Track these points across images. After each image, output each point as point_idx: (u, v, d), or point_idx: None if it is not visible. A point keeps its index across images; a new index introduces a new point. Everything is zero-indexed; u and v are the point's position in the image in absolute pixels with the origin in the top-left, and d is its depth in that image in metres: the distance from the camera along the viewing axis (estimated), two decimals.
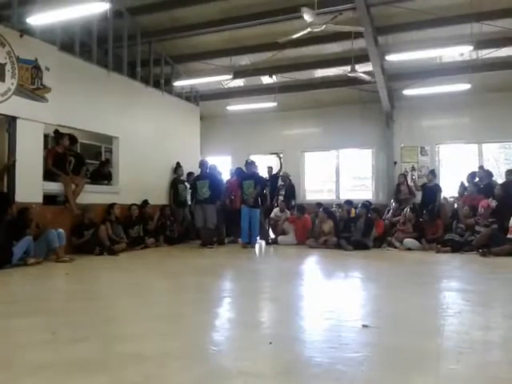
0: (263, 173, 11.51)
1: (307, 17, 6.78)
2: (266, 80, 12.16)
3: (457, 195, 10.20)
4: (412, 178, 11.15)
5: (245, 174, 10.33)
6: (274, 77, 11.83)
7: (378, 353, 2.76)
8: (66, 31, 8.66)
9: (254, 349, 2.83)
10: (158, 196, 10.58)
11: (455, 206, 9.81)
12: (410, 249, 9.00)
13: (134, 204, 9.41)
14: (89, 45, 9.31)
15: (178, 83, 11.30)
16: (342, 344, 2.89)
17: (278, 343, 2.88)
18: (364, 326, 3.26)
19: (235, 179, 10.80)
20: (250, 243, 9.63)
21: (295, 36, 7.68)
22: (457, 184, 10.30)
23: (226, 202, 10.52)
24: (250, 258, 8.39)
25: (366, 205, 10.04)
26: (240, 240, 10.06)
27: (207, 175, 10.00)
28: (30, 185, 7.56)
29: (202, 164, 10.28)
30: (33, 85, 7.68)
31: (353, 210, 10.09)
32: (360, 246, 8.98)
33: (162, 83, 11.31)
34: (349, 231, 9.32)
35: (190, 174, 11.32)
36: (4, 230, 6.41)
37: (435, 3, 8.76)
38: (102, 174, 9.73)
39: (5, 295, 4.81)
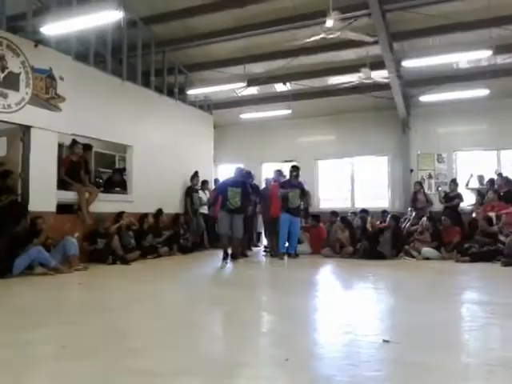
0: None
1: (329, 22, 6.71)
2: (280, 88, 12.10)
3: (474, 202, 10.02)
4: (438, 190, 10.96)
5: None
6: (287, 84, 11.76)
7: (400, 371, 2.61)
8: (81, 41, 8.70)
9: (271, 366, 2.71)
10: (172, 205, 10.54)
11: (473, 214, 9.59)
12: (428, 258, 8.80)
13: (148, 213, 9.35)
14: (103, 54, 9.35)
15: (191, 92, 11.29)
16: (362, 361, 2.75)
17: (294, 360, 2.75)
18: (384, 341, 3.12)
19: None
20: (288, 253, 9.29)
21: (309, 40, 7.59)
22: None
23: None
24: (263, 268, 8.26)
25: (395, 216, 9.74)
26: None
27: (240, 183, 8.69)
28: (44, 194, 7.56)
29: (237, 171, 8.97)
30: (47, 94, 7.70)
31: (368, 219, 9.89)
32: (376, 255, 8.79)
33: (176, 92, 11.31)
34: (376, 242, 9.06)
35: (204, 182, 11.29)
36: (8, 241, 6.36)
37: (452, 8, 8.62)
38: (114, 182, 9.70)
39: (16, 307, 4.75)
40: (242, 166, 10.07)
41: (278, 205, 9.45)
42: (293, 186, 9.39)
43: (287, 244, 9.40)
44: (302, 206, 9.62)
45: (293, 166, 9.86)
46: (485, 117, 11.14)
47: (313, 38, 7.50)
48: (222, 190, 8.76)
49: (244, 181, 8.89)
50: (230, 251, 8.48)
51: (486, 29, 8.84)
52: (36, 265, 6.53)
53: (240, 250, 9.18)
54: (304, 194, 9.62)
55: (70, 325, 3.75)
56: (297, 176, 9.55)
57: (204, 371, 2.60)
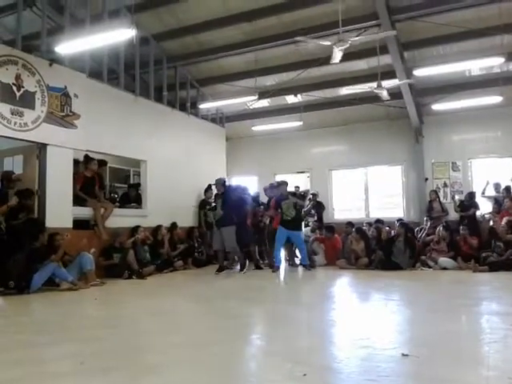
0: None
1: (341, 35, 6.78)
2: (291, 99, 12.14)
3: (491, 211, 9.89)
4: (453, 199, 10.85)
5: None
6: (299, 96, 11.79)
7: None
8: (94, 59, 8.86)
9: (287, 381, 2.68)
10: (186, 218, 10.58)
11: (491, 223, 9.46)
12: (445, 268, 8.68)
13: (161, 225, 9.38)
14: (116, 71, 9.49)
15: (203, 106, 11.40)
16: (382, 376, 2.71)
17: (312, 375, 2.72)
18: (404, 354, 3.07)
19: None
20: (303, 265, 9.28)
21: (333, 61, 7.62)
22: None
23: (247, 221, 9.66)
24: (277, 281, 8.22)
25: (404, 223, 9.65)
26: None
27: (223, 194, 9.16)
28: (60, 210, 7.64)
29: (219, 183, 9.36)
30: (62, 112, 7.83)
31: (383, 230, 9.82)
32: (392, 266, 8.69)
33: (188, 106, 11.42)
34: (390, 252, 8.97)
35: (217, 195, 11.30)
36: (26, 258, 6.43)
37: (463, 16, 8.60)
38: (130, 197, 9.79)
39: (34, 322, 4.79)
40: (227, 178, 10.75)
41: (278, 218, 9.47)
42: (285, 198, 9.25)
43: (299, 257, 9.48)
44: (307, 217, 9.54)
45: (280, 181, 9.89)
46: (499, 124, 11.04)
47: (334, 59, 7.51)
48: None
49: (228, 190, 9.27)
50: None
51: (497, 36, 8.79)
52: (60, 280, 6.62)
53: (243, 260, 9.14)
54: (298, 206, 9.27)
55: (86, 341, 3.77)
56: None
57: None
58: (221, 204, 8.98)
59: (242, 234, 9.03)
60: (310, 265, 9.27)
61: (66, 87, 7.92)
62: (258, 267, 9.44)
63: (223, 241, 8.79)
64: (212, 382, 2.69)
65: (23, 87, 7.24)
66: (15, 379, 2.76)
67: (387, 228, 10.07)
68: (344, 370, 2.89)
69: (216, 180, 9.46)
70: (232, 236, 8.72)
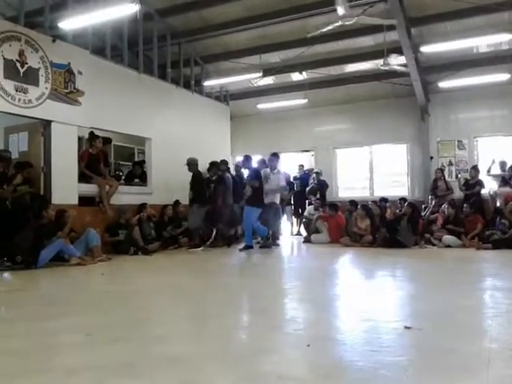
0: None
1: (340, 9, 6.62)
2: (296, 77, 12.02)
3: (497, 189, 9.85)
4: (457, 177, 10.78)
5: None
6: (304, 73, 11.68)
7: (422, 356, 2.61)
8: (98, 35, 8.79)
9: (292, 352, 2.73)
10: None
11: (498, 202, 9.42)
12: (449, 246, 8.70)
13: (168, 205, 9.44)
14: (120, 48, 9.42)
15: (207, 83, 11.32)
16: (384, 347, 2.75)
17: (316, 346, 2.77)
18: (406, 327, 3.11)
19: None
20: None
21: (325, 30, 7.52)
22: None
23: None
24: (281, 257, 8.28)
25: (412, 204, 9.54)
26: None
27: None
28: (66, 187, 7.69)
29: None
30: (66, 89, 7.81)
31: (390, 209, 9.81)
32: (396, 244, 8.72)
33: (193, 84, 11.34)
34: (395, 230, 8.94)
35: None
36: (33, 233, 6.50)
37: None
38: (135, 175, 9.81)
39: (40, 296, 4.87)
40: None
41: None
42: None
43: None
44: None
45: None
46: (506, 102, 10.90)
47: (331, 27, 7.40)
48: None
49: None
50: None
51: (505, 12, 8.63)
52: (69, 256, 6.71)
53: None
54: None
55: (93, 314, 3.83)
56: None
57: (228, 356, 2.64)
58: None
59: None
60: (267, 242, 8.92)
61: (69, 64, 7.87)
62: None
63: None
64: (219, 351, 2.73)
65: (27, 63, 7.21)
66: (25, 350, 2.82)
67: (391, 206, 10.05)
68: (347, 341, 2.94)
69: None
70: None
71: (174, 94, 10.68)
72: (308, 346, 2.74)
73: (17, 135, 7.98)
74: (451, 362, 2.48)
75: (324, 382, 2.27)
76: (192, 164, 9.34)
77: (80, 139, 8.46)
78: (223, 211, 9.43)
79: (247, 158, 9.59)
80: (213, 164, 9.75)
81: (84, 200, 8.08)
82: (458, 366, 2.43)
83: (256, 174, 8.82)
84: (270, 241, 8.99)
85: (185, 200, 9.94)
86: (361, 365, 2.44)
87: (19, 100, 7.05)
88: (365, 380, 2.23)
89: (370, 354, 2.61)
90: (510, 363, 2.44)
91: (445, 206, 9.34)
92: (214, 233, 9.56)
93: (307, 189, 11.73)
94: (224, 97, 12.81)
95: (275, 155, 9.34)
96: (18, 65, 7.10)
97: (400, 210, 9.83)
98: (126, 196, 8.75)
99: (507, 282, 5.14)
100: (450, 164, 11.49)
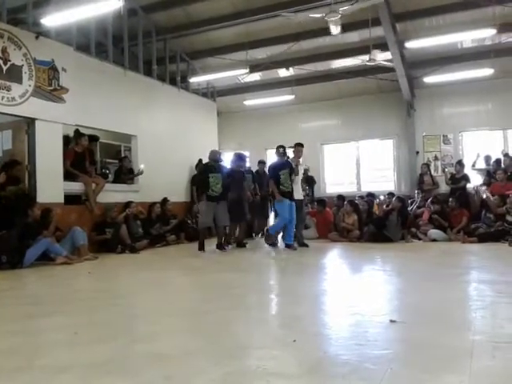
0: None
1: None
2: (283, 73, 12.03)
3: (482, 183, 9.95)
4: (444, 172, 10.85)
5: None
6: (290, 69, 11.69)
7: (407, 350, 2.64)
8: (82, 31, 8.69)
9: (278, 347, 2.74)
10: (178, 193, 10.58)
11: (484, 195, 9.52)
12: (435, 240, 8.79)
13: (156, 202, 9.39)
14: (104, 44, 9.33)
15: (194, 79, 11.27)
16: (370, 341, 2.78)
17: (302, 340, 2.78)
18: (391, 321, 3.14)
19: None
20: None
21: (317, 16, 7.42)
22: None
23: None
24: (269, 253, 8.29)
25: (402, 198, 9.58)
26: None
27: (221, 168, 8.42)
28: (51, 185, 7.62)
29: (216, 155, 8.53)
30: (50, 86, 7.72)
31: (376, 204, 9.89)
32: (383, 238, 8.78)
33: (179, 80, 11.28)
34: (383, 226, 8.98)
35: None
36: (18, 233, 6.44)
37: None
38: (125, 169, 9.68)
39: (27, 296, 4.82)
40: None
41: None
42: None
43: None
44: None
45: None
46: (490, 96, 11.04)
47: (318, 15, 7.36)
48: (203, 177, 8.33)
49: (221, 165, 8.54)
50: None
51: (489, 7, 8.71)
52: (55, 255, 6.65)
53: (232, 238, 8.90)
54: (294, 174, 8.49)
55: (81, 312, 3.81)
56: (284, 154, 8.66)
57: (213, 352, 2.64)
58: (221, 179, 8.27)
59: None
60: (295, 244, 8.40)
61: (53, 61, 7.78)
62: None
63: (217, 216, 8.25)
64: (204, 348, 2.74)
65: (10, 61, 7.11)
66: (13, 348, 2.81)
67: (379, 201, 10.11)
68: (333, 336, 2.96)
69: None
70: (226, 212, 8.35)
71: (160, 90, 10.62)
72: (294, 341, 2.76)
73: (0, 133, 7.88)
74: (435, 354, 2.51)
75: (309, 376, 2.28)
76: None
77: (66, 137, 8.35)
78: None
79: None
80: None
81: (70, 198, 8.02)
82: (442, 358, 2.46)
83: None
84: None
85: (172, 197, 9.92)
86: (346, 358, 2.46)
87: (2, 98, 6.95)
88: (349, 373, 2.25)
89: (356, 348, 2.63)
90: (492, 355, 2.47)
91: (428, 203, 9.43)
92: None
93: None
94: (211, 93, 12.77)
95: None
96: (1, 62, 7.00)
97: (387, 206, 9.89)
98: (112, 194, 8.69)
99: (491, 275, 5.21)
100: (436, 159, 11.60)
